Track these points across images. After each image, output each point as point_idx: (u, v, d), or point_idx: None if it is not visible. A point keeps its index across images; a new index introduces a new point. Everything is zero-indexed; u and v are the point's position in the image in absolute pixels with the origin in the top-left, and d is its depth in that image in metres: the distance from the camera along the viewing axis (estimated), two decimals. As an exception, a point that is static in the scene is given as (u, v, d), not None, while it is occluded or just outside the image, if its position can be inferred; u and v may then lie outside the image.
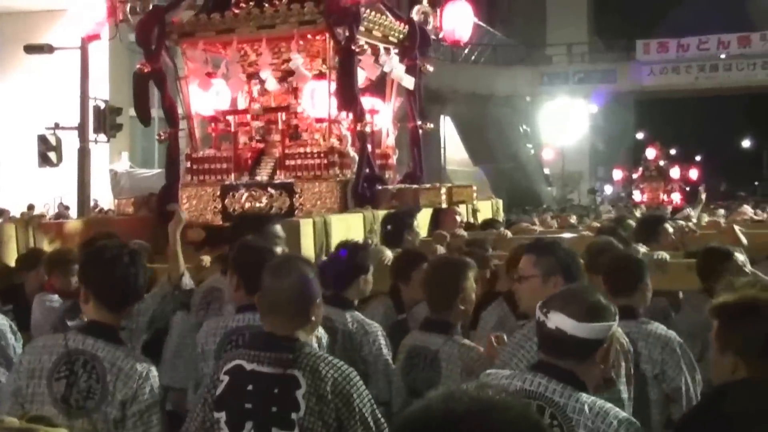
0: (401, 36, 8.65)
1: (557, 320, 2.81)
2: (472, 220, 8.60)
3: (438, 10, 8.83)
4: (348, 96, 7.71)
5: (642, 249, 5.84)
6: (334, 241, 6.51)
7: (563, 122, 40.68)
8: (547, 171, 46.49)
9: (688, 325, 4.77)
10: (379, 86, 8.72)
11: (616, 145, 55.41)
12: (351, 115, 7.92)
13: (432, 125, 9.26)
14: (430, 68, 8.95)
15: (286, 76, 8.18)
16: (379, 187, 7.98)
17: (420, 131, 8.93)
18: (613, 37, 48.12)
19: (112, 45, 25.70)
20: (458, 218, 7.89)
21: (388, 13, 8.66)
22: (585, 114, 44.12)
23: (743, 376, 2.91)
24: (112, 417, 3.35)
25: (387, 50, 8.57)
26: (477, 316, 5.04)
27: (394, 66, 8.48)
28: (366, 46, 7.91)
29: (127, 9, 7.92)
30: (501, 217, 9.78)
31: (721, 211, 15.70)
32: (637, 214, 13.46)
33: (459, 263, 4.33)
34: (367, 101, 8.41)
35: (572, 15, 49.33)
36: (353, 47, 7.64)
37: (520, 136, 45.67)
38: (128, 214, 8.39)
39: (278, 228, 5.08)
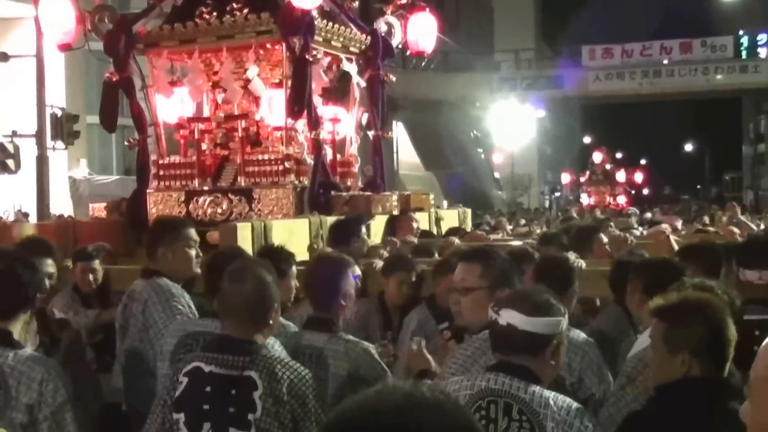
0: (363, 46, 8.71)
1: (508, 316, 2.86)
2: (435, 228, 8.69)
3: (402, 22, 8.82)
4: (300, 104, 7.75)
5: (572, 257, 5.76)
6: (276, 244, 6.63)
7: (512, 127, 41.14)
8: (497, 175, 47.01)
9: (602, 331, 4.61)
10: (343, 95, 8.81)
11: (564, 149, 56.11)
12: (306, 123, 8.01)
13: (392, 134, 9.43)
14: (393, 78, 9.02)
15: (247, 85, 8.24)
16: (334, 194, 8.05)
17: (379, 140, 8.94)
18: (560, 43, 48.86)
19: (68, 53, 25.70)
20: (414, 225, 7.93)
21: (351, 25, 8.71)
22: (533, 119, 44.67)
23: (698, 374, 2.94)
24: (18, 422, 3.32)
25: (349, 60, 8.65)
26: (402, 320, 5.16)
27: (352, 75, 8.62)
28: (319, 55, 7.96)
29: (96, 19, 8.05)
30: (468, 225, 9.81)
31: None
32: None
33: (338, 260, 4.21)
34: (330, 110, 8.54)
35: (519, 22, 49.81)
36: (307, 56, 7.70)
37: (471, 141, 46.06)
38: (100, 218, 8.51)
39: (192, 231, 4.92)
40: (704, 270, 4.30)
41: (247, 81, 8.20)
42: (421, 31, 8.88)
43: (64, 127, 20.11)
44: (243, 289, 3.32)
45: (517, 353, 2.86)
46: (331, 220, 7.26)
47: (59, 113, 20.24)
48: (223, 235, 6.48)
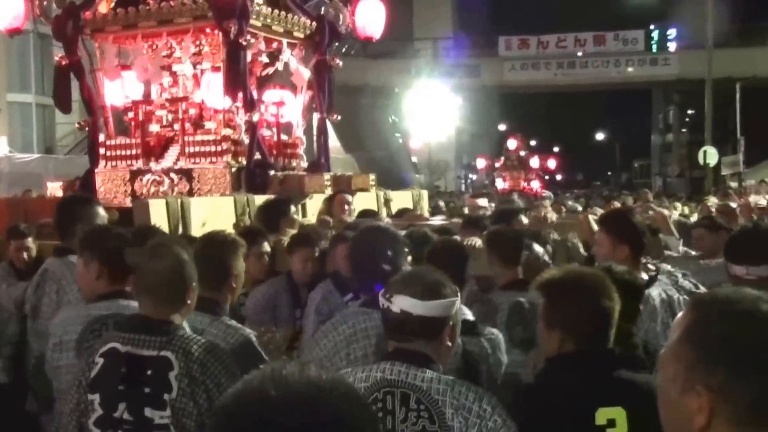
0: (308, 32, 8.86)
1: (401, 302, 2.78)
2: (384, 209, 8.87)
3: (350, 8, 8.96)
4: (234, 87, 7.94)
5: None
6: (197, 222, 6.79)
7: (430, 113, 41.59)
8: (415, 159, 47.48)
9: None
10: (288, 80, 9.01)
11: (481, 135, 57.00)
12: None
13: (339, 117, 9.49)
14: (340, 63, 9.19)
15: (193, 67, 8.50)
16: (272, 173, 8.29)
17: (325, 123, 9.20)
18: (477, 32, 49.39)
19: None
20: (347, 206, 8.01)
21: (297, 10, 8.89)
22: (451, 106, 45.22)
23: (572, 349, 2.97)
24: None
25: (292, 45, 8.87)
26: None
27: (289, 60, 8.83)
28: (253, 40, 8.16)
29: (45, 4, 8.25)
30: (424, 206, 9.91)
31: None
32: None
33: (230, 241, 4.10)
34: (277, 93, 8.80)
35: (438, 10, 49.89)
36: (241, 41, 7.87)
37: (390, 126, 46.49)
38: (53, 196, 8.67)
39: (100, 209, 4.89)
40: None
41: (192, 64, 8.44)
42: (369, 17, 9.01)
43: (-16, 106, 19.78)
44: (160, 267, 3.27)
45: (413, 340, 2.79)
46: (259, 198, 7.42)
47: (-21, 91, 19.91)
48: (136, 212, 6.56)
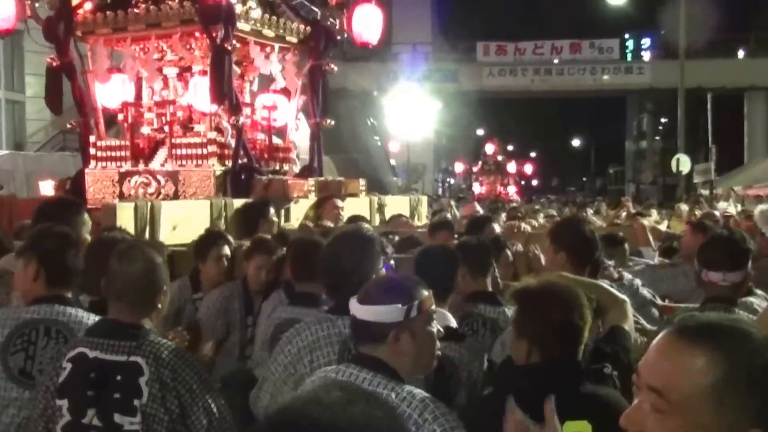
0: (302, 36, 8.84)
1: (353, 307, 2.79)
2: (377, 215, 8.85)
3: (347, 13, 8.94)
4: (219, 91, 7.91)
5: None
6: (167, 226, 6.72)
7: (409, 117, 41.70)
8: (393, 162, 47.63)
9: None
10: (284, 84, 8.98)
11: (459, 140, 57.09)
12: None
13: (333, 122, 9.43)
14: (335, 68, 9.18)
15: (182, 71, 8.55)
16: (258, 177, 8.22)
17: (318, 128, 9.17)
18: (456, 38, 49.54)
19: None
20: (336, 211, 7.96)
21: (292, 15, 8.89)
22: (429, 110, 45.36)
23: (537, 359, 2.95)
24: None
25: (285, 49, 8.88)
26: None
27: (272, 66, 8.84)
28: (238, 45, 8.14)
29: (36, 6, 8.30)
30: (423, 212, 9.72)
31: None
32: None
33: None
34: (269, 97, 8.80)
35: (417, 15, 49.86)
36: (226, 45, 7.86)
37: (368, 129, 46.57)
38: (42, 196, 8.64)
39: (85, 215, 4.82)
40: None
41: (183, 68, 8.47)
42: (366, 23, 8.98)
43: (-48, 101, 19.63)
44: (131, 270, 3.21)
45: (364, 343, 2.78)
46: (238, 202, 7.40)
47: (-53, 87, 19.75)
48: (103, 215, 6.50)
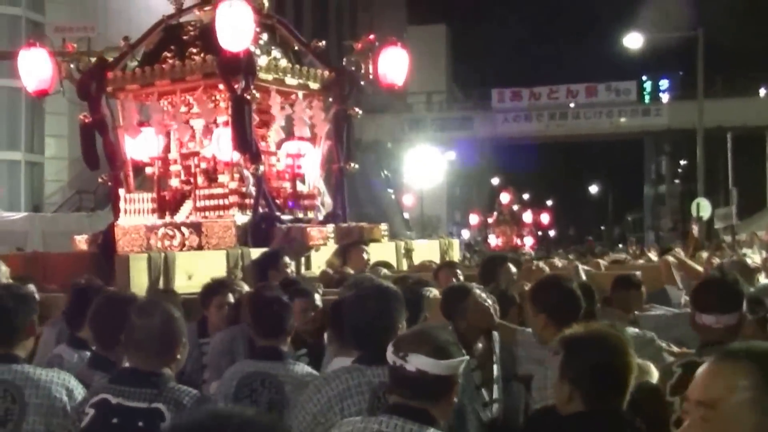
0: (326, 83, 9.04)
1: (417, 362, 2.80)
2: (404, 260, 8.86)
3: (372, 56, 9.05)
4: (240, 140, 8.17)
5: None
6: (181, 276, 6.87)
7: (422, 168, 41.83)
8: (406, 215, 47.82)
9: None
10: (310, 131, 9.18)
11: (473, 190, 57.24)
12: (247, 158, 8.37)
13: (357, 166, 9.57)
14: (359, 112, 9.40)
15: (209, 123, 8.85)
16: (279, 226, 8.39)
17: (343, 173, 9.30)
18: (470, 86, 49.95)
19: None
20: (365, 255, 8.04)
21: (316, 63, 9.14)
22: (443, 160, 45.55)
23: (579, 407, 2.95)
24: None
25: (310, 96, 9.09)
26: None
27: (295, 114, 9.04)
28: (258, 94, 8.37)
29: (71, 67, 8.73)
30: (454, 256, 9.66)
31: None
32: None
33: (126, 300, 4.00)
34: (294, 145, 9.04)
35: (431, 64, 50.23)
36: (246, 95, 8.12)
37: (382, 181, 46.85)
38: (78, 251, 8.99)
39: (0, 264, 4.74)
40: None
41: (214, 121, 8.76)
42: (392, 65, 9.13)
43: (-27, 164, 20.05)
44: (152, 323, 3.32)
45: (419, 398, 2.82)
46: (256, 252, 7.53)
47: (-32, 150, 20.20)
48: (117, 267, 6.72)
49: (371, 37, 9.27)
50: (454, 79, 54.89)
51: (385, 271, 7.35)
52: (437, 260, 8.61)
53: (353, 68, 9.11)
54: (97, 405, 3.25)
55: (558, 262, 10.56)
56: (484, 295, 4.66)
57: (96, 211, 27.67)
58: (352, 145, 9.47)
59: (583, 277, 6.50)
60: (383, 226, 9.62)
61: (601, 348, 2.98)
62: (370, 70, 9.08)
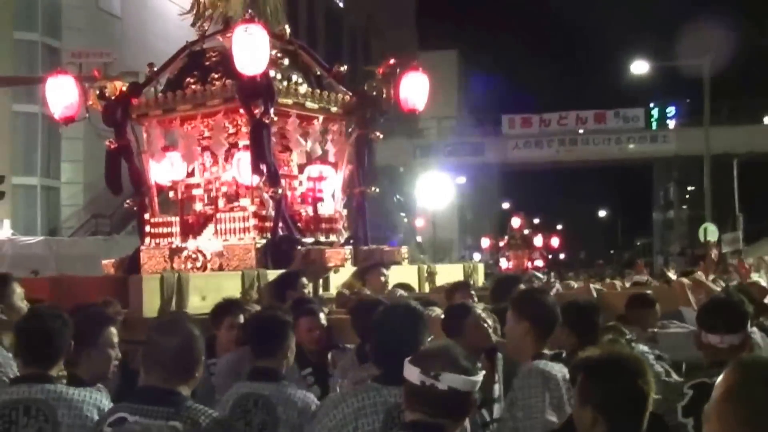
0: (347, 107, 9.04)
1: (451, 380, 2.81)
2: (426, 283, 8.74)
3: (393, 81, 9.00)
4: (259, 163, 8.17)
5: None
6: (195, 297, 6.80)
7: (434, 192, 41.94)
8: (419, 239, 47.86)
9: None
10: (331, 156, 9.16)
11: (484, 214, 57.25)
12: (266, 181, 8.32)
13: (378, 190, 9.61)
14: (380, 136, 9.40)
15: (230, 147, 8.85)
16: (300, 248, 8.27)
17: (363, 196, 9.28)
18: (481, 111, 50.13)
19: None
20: (383, 278, 7.95)
21: (338, 87, 9.09)
22: (454, 184, 45.65)
23: (603, 430, 2.93)
24: None
25: (331, 120, 9.09)
26: None
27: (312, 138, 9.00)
28: (275, 118, 8.33)
29: (96, 93, 8.80)
30: (479, 279, 9.51)
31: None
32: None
33: (100, 315, 4.12)
34: (316, 168, 9.00)
35: (443, 91, 50.34)
36: (264, 119, 8.12)
37: (395, 206, 46.94)
38: (108, 275, 8.99)
39: (16, 286, 4.80)
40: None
41: (231, 144, 8.77)
42: (413, 90, 9.08)
43: (-9, 188, 20.14)
44: (172, 342, 3.32)
45: (442, 416, 2.84)
46: (273, 273, 7.49)
47: (-14, 174, 20.27)
48: (131, 288, 6.69)
49: (392, 62, 9.24)
50: (464, 104, 55.01)
51: (401, 292, 7.30)
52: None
53: (374, 93, 9.11)
54: (114, 423, 3.26)
55: (573, 283, 10.56)
56: (484, 314, 4.68)
57: (112, 234, 27.86)
58: (373, 169, 9.51)
59: (594, 296, 6.58)
60: (404, 249, 9.60)
61: (623, 371, 2.95)
62: (391, 95, 9.07)
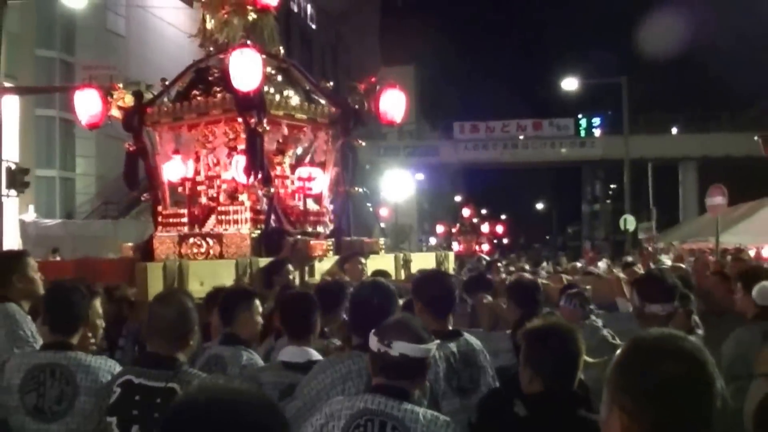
0: (332, 118, 9.00)
1: (400, 347, 2.78)
2: (402, 270, 8.64)
3: (374, 96, 8.94)
4: (252, 166, 8.14)
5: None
6: (194, 282, 6.64)
7: (396, 186, 42.01)
8: (383, 225, 47.79)
9: None
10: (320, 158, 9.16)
11: (439, 205, 57.33)
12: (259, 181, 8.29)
13: (361, 189, 9.55)
14: (363, 143, 9.37)
15: (231, 150, 8.82)
16: (289, 239, 8.22)
17: (347, 194, 9.30)
18: (435, 118, 50.34)
19: (22, 117, 25.68)
20: (360, 266, 7.74)
21: (322, 100, 9.08)
22: (414, 180, 45.74)
23: (539, 388, 2.97)
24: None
25: (318, 128, 9.06)
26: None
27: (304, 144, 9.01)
28: (268, 127, 8.24)
29: (117, 104, 8.78)
30: (449, 267, 9.44)
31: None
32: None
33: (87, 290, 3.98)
34: (306, 170, 8.96)
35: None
36: (258, 128, 8.09)
37: (361, 197, 46.76)
38: (126, 257, 8.97)
39: (31, 260, 4.65)
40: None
41: (230, 148, 8.74)
42: (392, 104, 9.02)
43: (17, 178, 19.98)
44: (168, 312, 3.33)
45: (400, 379, 2.80)
46: (264, 261, 7.42)
47: (13, 167, 20.12)
48: (137, 274, 6.64)
49: (373, 79, 9.24)
50: (422, 112, 54.99)
51: (380, 279, 7.18)
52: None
53: (356, 106, 9.09)
54: (122, 384, 3.29)
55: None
56: None
57: (119, 218, 27.95)
58: (357, 171, 9.38)
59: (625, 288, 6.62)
60: (381, 240, 9.51)
61: (555, 337, 3.01)
62: (371, 107, 9.04)
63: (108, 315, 4.94)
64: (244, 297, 4.45)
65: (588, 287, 6.83)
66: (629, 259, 14.02)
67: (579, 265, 13.77)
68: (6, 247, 20.55)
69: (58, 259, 15.55)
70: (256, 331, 4.43)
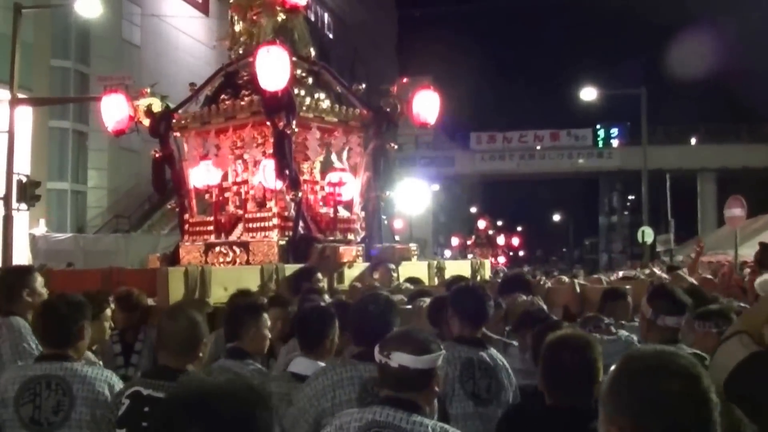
0: (364, 121, 8.86)
1: (399, 359, 2.77)
2: (435, 277, 8.45)
3: (407, 97, 8.83)
4: (281, 170, 8.00)
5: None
6: (217, 288, 6.52)
7: (412, 198, 41.94)
8: (397, 237, 47.60)
9: None
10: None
11: (454, 217, 57.20)
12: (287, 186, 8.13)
13: (391, 194, 9.39)
14: (396, 147, 9.27)
15: (258, 156, 8.61)
16: (317, 246, 8.06)
17: (379, 200, 9.11)
18: (452, 129, 50.32)
19: (35, 128, 25.69)
20: (390, 273, 7.72)
21: (356, 102, 8.93)
22: (429, 191, 45.70)
23: (554, 402, 2.99)
24: None
25: (349, 131, 8.91)
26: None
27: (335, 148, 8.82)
28: (296, 129, 8.11)
29: (144, 110, 8.65)
30: (485, 274, 9.26)
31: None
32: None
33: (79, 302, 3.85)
34: (336, 175, 8.77)
35: None
36: (287, 131, 7.93)
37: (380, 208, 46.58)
38: (153, 268, 8.71)
39: (38, 277, 4.68)
40: None
41: (264, 153, 8.55)
42: (425, 105, 8.91)
43: (28, 192, 19.91)
44: (177, 326, 3.35)
45: (405, 390, 2.78)
46: (290, 267, 7.28)
47: (24, 180, 20.03)
48: (158, 279, 6.52)
49: (405, 80, 9.11)
50: (438, 122, 54.88)
51: (407, 285, 7.11)
52: (468, 276, 8.25)
53: (388, 108, 8.94)
54: (131, 396, 3.29)
55: (565, 278, 10.32)
56: None
57: (130, 232, 27.88)
58: (389, 175, 9.20)
59: (578, 290, 6.54)
60: (413, 246, 9.31)
61: (571, 347, 3.00)
62: (404, 110, 8.91)
63: (121, 321, 5.29)
64: (252, 311, 4.37)
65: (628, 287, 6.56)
66: (680, 258, 13.77)
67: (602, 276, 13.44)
68: (15, 261, 20.52)
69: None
70: (264, 345, 4.37)
